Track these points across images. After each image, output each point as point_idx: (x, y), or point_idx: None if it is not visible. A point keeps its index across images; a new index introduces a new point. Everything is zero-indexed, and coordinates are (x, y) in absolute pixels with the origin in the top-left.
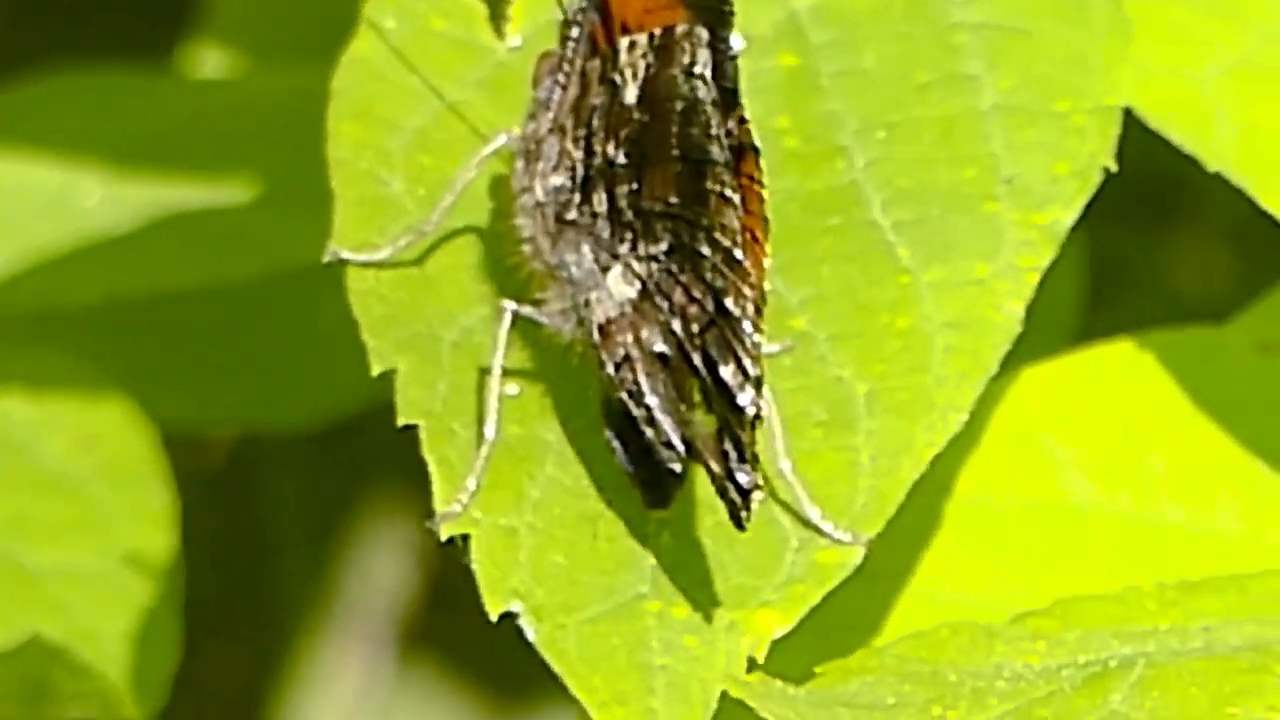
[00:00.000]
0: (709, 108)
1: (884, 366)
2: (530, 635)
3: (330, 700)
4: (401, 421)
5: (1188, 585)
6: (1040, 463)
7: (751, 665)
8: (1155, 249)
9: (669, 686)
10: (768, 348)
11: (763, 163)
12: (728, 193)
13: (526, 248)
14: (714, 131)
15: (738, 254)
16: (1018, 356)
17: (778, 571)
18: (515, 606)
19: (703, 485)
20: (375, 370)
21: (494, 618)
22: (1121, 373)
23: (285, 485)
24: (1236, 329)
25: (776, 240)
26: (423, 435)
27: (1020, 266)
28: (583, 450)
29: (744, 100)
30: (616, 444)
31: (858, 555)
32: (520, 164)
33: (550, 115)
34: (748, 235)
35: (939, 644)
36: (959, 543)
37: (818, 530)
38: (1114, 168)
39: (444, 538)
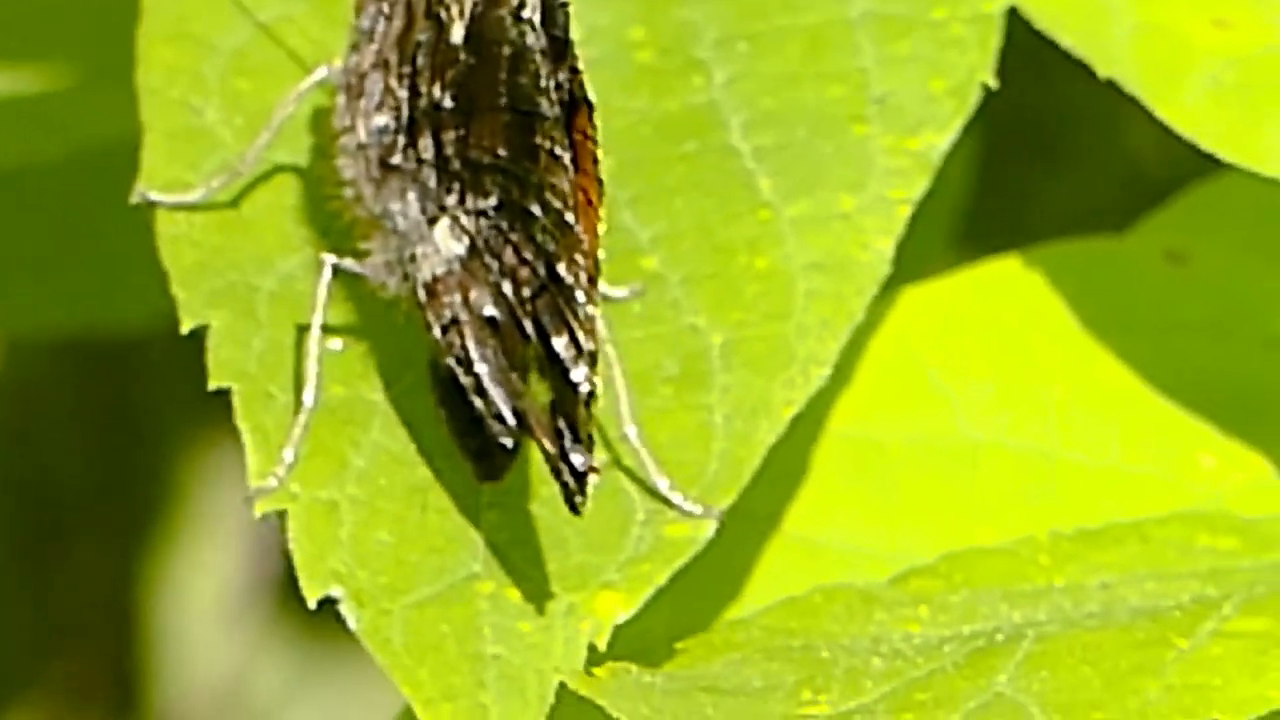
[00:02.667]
0: (538, 56)
1: (741, 313)
2: (351, 623)
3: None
4: (213, 384)
5: (1086, 535)
6: (924, 393)
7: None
8: (1042, 188)
9: (502, 679)
10: (616, 292)
11: (597, 118)
12: (558, 150)
13: (348, 192)
14: (543, 83)
15: (569, 217)
16: (897, 278)
17: (622, 548)
18: (335, 591)
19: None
20: (185, 327)
21: (312, 604)
22: (1012, 293)
23: (161, 375)
24: (1140, 237)
25: (626, 170)
26: (236, 402)
27: (890, 199)
28: (412, 413)
29: (576, 50)
30: (444, 412)
31: (709, 529)
32: (342, 100)
33: (374, 48)
34: (581, 197)
35: (811, 611)
36: (836, 481)
37: (666, 501)
38: (994, 84)
39: (258, 514)
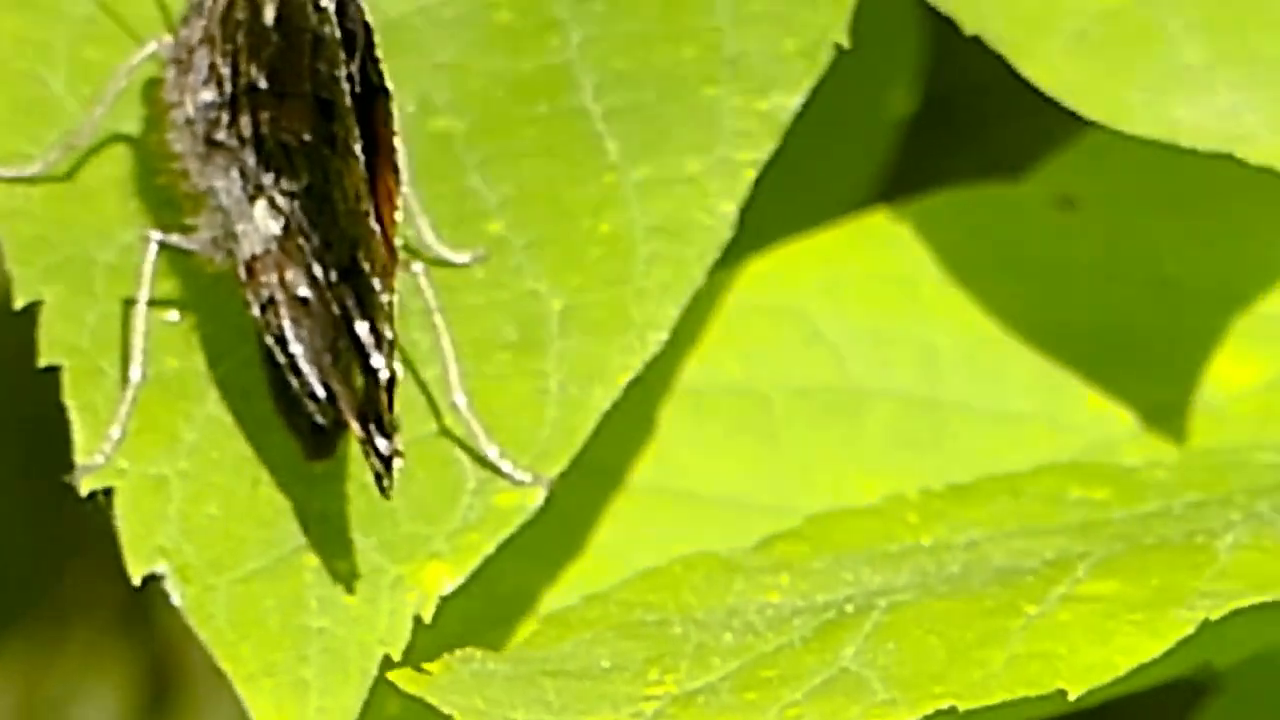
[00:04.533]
0: (335, 45)
1: (582, 277)
2: (176, 600)
3: None
4: (44, 361)
5: (956, 491)
6: (811, 344)
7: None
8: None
9: (325, 653)
10: (458, 257)
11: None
12: (351, 140)
13: (177, 166)
14: (338, 72)
15: (363, 207)
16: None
17: (451, 517)
18: (161, 568)
19: None
20: (19, 303)
21: (137, 581)
22: (903, 242)
23: None
24: (1032, 184)
25: (478, 133)
26: (65, 379)
27: (737, 161)
28: (246, 386)
29: (376, 39)
30: (272, 389)
31: (538, 498)
32: (172, 74)
33: (202, 23)
34: (384, 187)
35: (671, 582)
36: (723, 434)
37: (496, 470)
38: (846, 43)
39: (84, 492)
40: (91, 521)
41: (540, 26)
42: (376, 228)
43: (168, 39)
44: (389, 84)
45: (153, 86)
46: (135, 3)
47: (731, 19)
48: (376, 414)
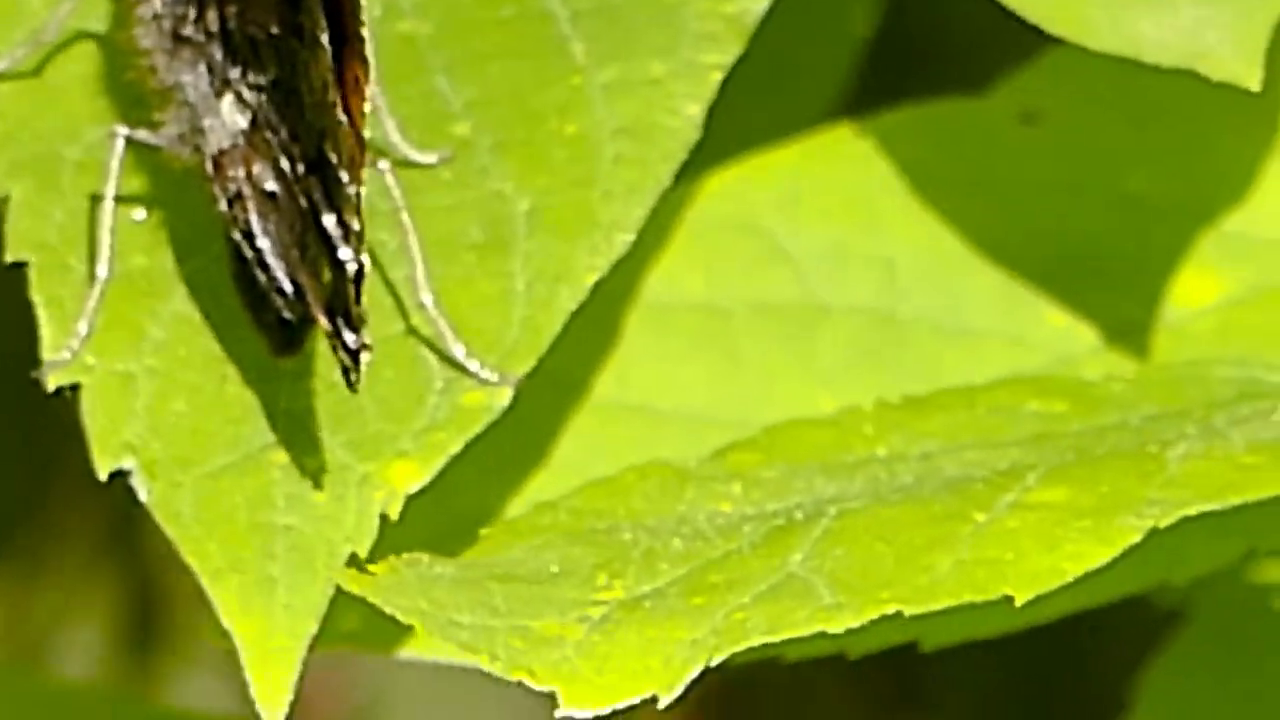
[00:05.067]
0: None
1: (548, 179)
2: (142, 495)
3: None
4: (10, 257)
5: (912, 403)
6: (771, 259)
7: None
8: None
9: (291, 550)
10: (424, 157)
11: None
12: (318, 31)
13: (144, 61)
14: None
15: (330, 98)
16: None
17: (418, 416)
18: (127, 464)
19: None
20: None
21: (103, 476)
22: (865, 157)
23: None
24: (997, 99)
25: (443, 35)
26: (31, 274)
27: (702, 63)
28: (214, 283)
29: None
30: (239, 285)
31: (505, 397)
32: None
33: None
34: (351, 77)
35: (623, 490)
36: (681, 348)
37: (463, 369)
38: None
39: (51, 388)
40: (76, 446)
41: None
42: (344, 118)
43: None
44: None
45: None
46: None
47: None
48: (344, 307)
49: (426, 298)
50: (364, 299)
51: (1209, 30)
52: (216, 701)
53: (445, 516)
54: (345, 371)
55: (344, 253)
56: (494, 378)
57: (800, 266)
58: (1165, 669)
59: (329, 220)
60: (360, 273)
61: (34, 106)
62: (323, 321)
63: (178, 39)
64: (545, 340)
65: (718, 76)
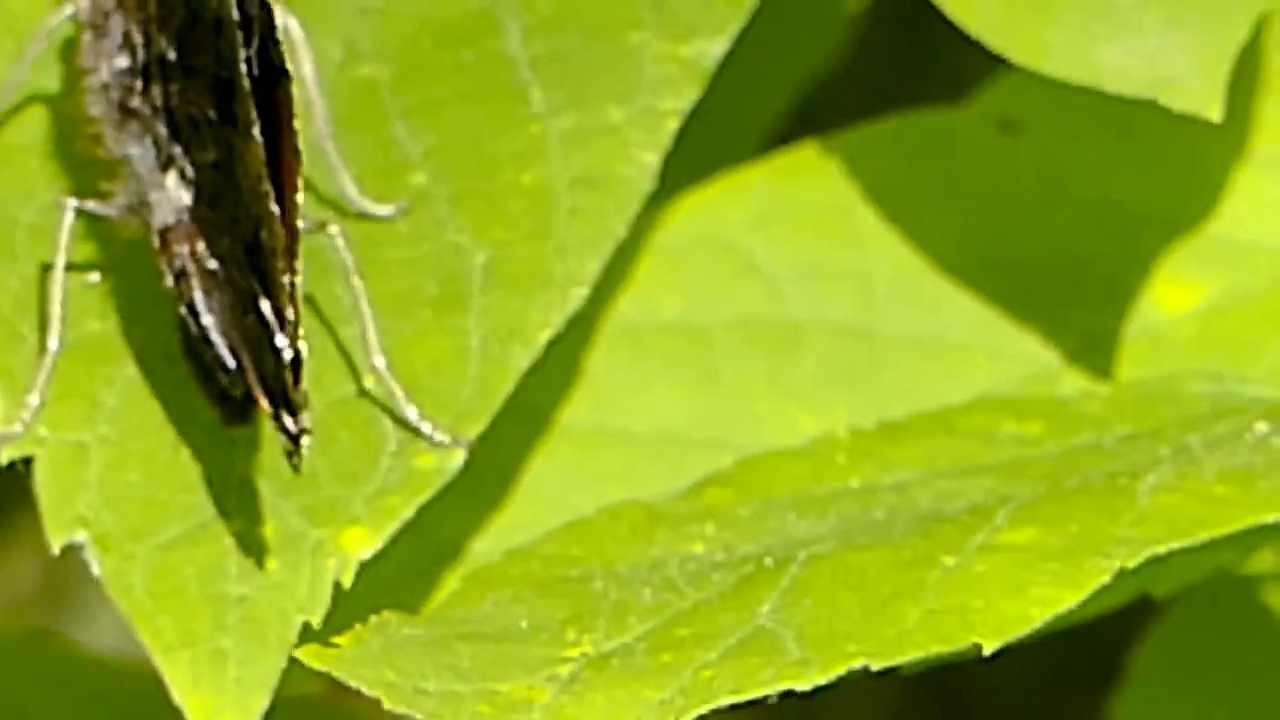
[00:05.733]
0: (233, 26)
1: (505, 231)
2: (95, 569)
3: None
4: None
5: (887, 429)
6: (747, 276)
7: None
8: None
9: (243, 622)
10: (380, 210)
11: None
12: (249, 122)
13: (93, 130)
14: (237, 53)
15: (264, 188)
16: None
17: (371, 480)
18: (79, 537)
19: None
20: None
21: (56, 549)
22: (841, 172)
23: None
24: (977, 108)
25: (402, 82)
26: None
27: (659, 109)
28: (167, 348)
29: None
30: (187, 356)
31: (457, 460)
32: (88, 38)
33: None
34: (286, 168)
35: (596, 534)
36: (658, 368)
37: (416, 432)
38: None
39: (4, 460)
40: None
41: None
42: (276, 209)
43: (85, 1)
44: (289, 66)
45: (71, 49)
46: None
47: None
48: (283, 391)
49: (378, 360)
50: (304, 383)
51: (1172, 59)
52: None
53: (419, 551)
54: (288, 454)
55: (280, 340)
56: (447, 440)
57: (776, 284)
58: (1153, 652)
59: (265, 306)
60: (297, 360)
61: None
62: (264, 404)
63: (125, 111)
64: (498, 400)
65: (674, 123)
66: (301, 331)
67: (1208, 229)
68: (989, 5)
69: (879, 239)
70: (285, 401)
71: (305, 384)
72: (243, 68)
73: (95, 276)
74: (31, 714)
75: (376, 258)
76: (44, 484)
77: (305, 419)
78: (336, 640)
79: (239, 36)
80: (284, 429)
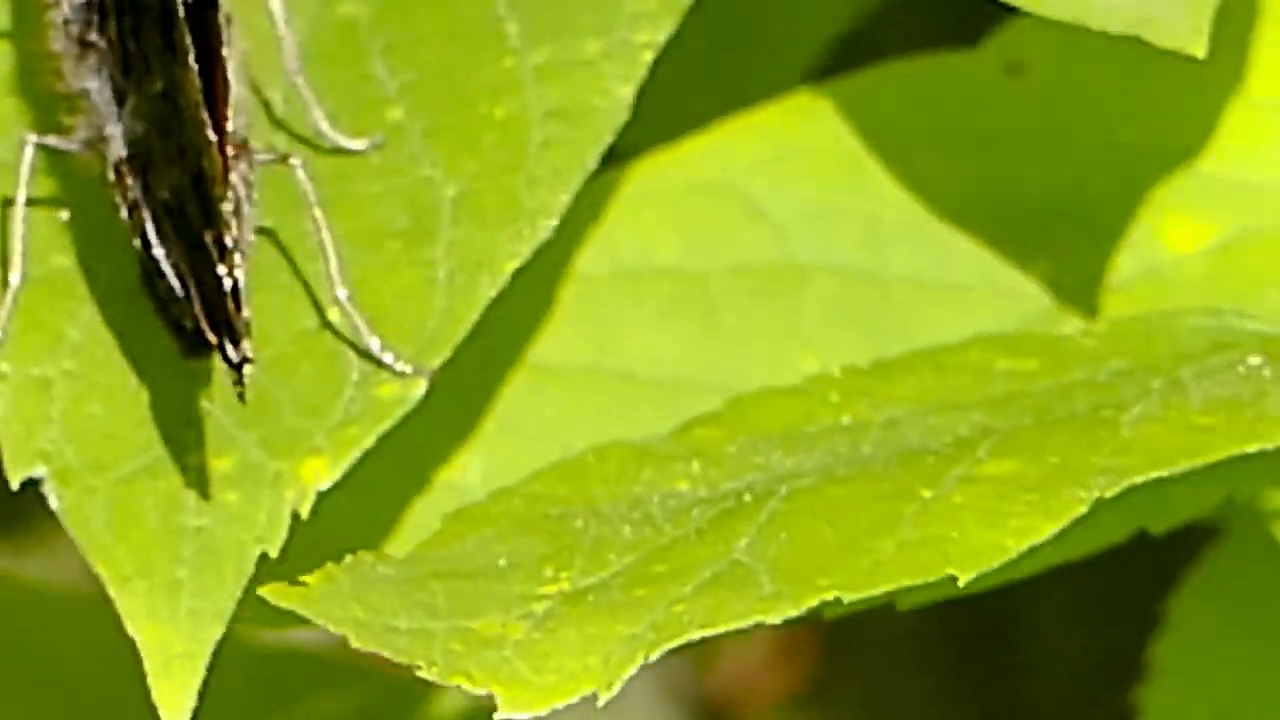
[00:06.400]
0: None
1: (477, 164)
2: (54, 503)
3: None
4: None
5: (882, 367)
6: (751, 220)
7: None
8: None
9: (200, 553)
10: (353, 144)
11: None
12: (185, 50)
13: (54, 66)
14: None
15: (201, 115)
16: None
17: (333, 410)
18: (39, 471)
19: (262, 313)
20: None
21: (15, 484)
22: (848, 114)
23: None
24: (984, 52)
25: (383, 18)
26: None
27: (635, 43)
28: (130, 284)
29: None
30: (146, 289)
31: (420, 388)
32: None
33: None
34: (218, 94)
35: (580, 474)
36: (658, 314)
37: (378, 362)
38: None
39: None
40: None
41: None
42: (214, 137)
43: None
44: None
45: None
46: None
47: None
48: (226, 320)
49: (341, 292)
50: (245, 311)
51: None
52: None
53: (423, 487)
54: (234, 383)
55: (220, 269)
56: (409, 369)
57: (780, 227)
58: (1199, 587)
59: (208, 236)
60: (236, 288)
61: None
62: (207, 333)
63: (84, 45)
64: (462, 330)
65: (649, 56)
66: (239, 259)
67: (1217, 171)
68: None
69: (886, 181)
70: (228, 330)
71: (247, 312)
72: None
73: (63, 212)
74: None
75: (350, 191)
76: (5, 419)
77: (246, 347)
78: (305, 579)
79: None
80: (226, 358)
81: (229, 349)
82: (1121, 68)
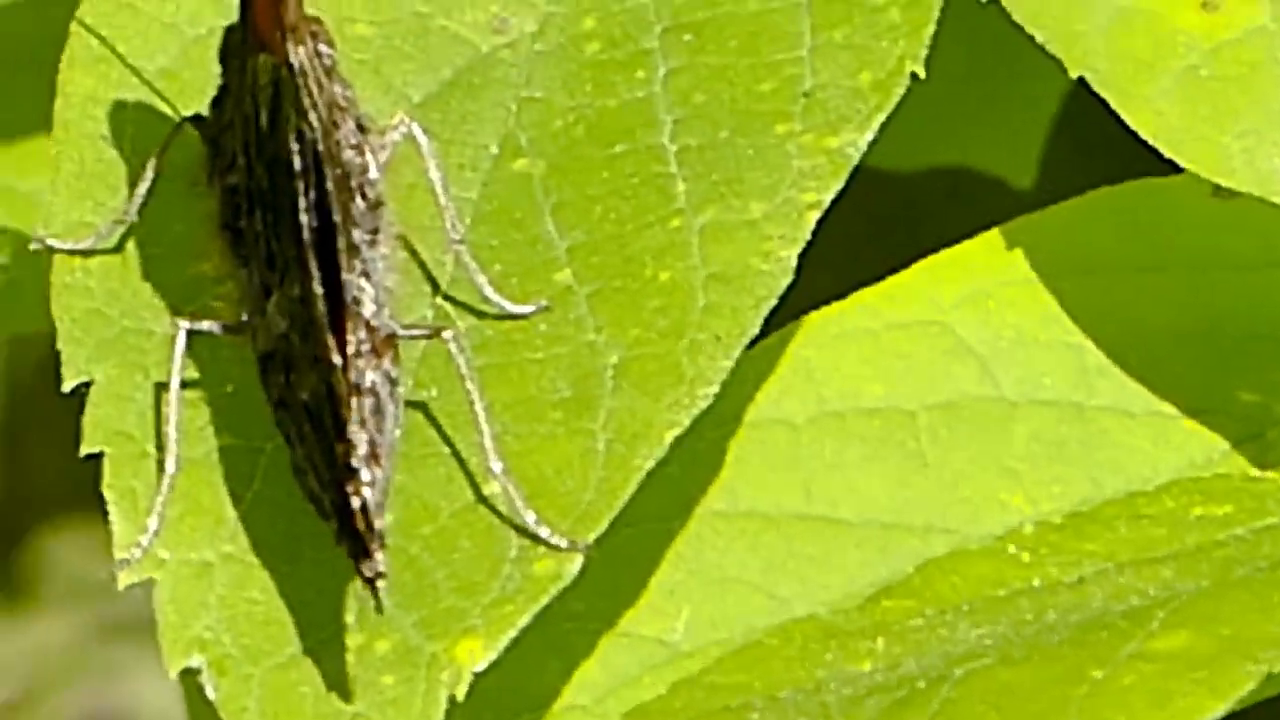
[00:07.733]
0: (298, 177)
1: (640, 330)
2: (210, 693)
3: None
4: (85, 449)
5: (1074, 520)
6: (956, 354)
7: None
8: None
9: None
10: (520, 309)
11: None
12: (312, 268)
13: (210, 246)
14: (299, 201)
15: (327, 338)
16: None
17: (490, 588)
18: (196, 661)
19: (424, 486)
20: (68, 384)
21: (173, 675)
22: (1046, 245)
23: None
24: (1189, 175)
25: (555, 175)
26: (106, 467)
27: (800, 202)
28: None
29: None
30: (298, 480)
31: (576, 564)
32: (209, 151)
33: (231, 104)
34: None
35: (765, 658)
36: (865, 453)
37: (534, 536)
38: (922, 73)
39: (123, 585)
40: None
41: (630, 58)
42: (338, 360)
43: (205, 114)
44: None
45: (195, 164)
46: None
47: (812, 49)
48: (357, 536)
49: (495, 465)
50: (379, 523)
51: None
52: None
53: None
54: (371, 594)
55: (347, 488)
56: (564, 544)
57: (986, 362)
58: None
59: (339, 449)
60: (365, 507)
61: (122, 282)
62: (345, 545)
63: (233, 231)
64: (618, 502)
65: (814, 216)
66: (367, 476)
67: None
68: (1172, 113)
69: (1090, 312)
70: (359, 543)
71: (381, 523)
72: (303, 218)
73: (225, 389)
74: None
75: (515, 358)
76: (163, 607)
77: (379, 561)
78: None
79: (300, 185)
80: (358, 571)
81: (362, 565)
82: None
